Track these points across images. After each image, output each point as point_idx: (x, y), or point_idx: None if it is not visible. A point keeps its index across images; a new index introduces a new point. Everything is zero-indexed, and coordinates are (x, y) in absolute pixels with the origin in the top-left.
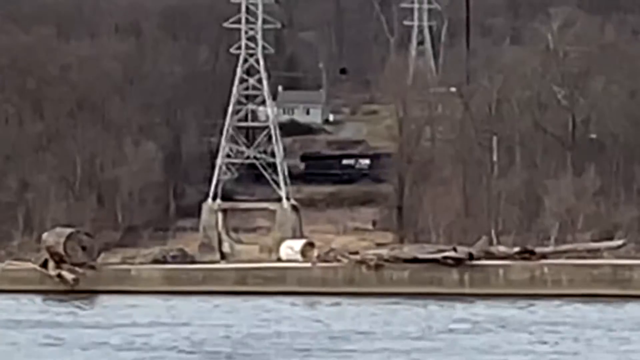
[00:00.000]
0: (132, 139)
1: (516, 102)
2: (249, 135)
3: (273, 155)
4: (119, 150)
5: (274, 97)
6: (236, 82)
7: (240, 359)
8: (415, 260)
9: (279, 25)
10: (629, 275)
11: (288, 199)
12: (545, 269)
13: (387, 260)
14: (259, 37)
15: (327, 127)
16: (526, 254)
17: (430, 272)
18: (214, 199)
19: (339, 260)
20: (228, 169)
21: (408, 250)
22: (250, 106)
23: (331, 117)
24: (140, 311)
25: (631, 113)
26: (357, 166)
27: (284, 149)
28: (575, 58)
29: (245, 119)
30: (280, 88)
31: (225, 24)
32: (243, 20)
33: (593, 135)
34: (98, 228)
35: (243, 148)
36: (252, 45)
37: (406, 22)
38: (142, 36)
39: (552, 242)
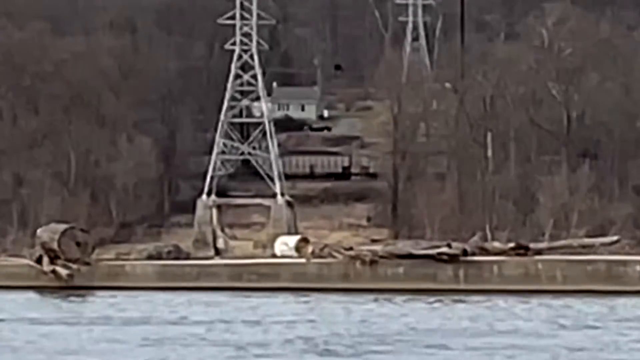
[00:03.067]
0: (126, 134)
1: (511, 98)
2: (244, 131)
3: (267, 151)
4: (114, 146)
5: (269, 93)
6: (231, 78)
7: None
8: (409, 256)
9: (273, 22)
10: (623, 271)
11: (282, 194)
12: (540, 265)
13: (381, 256)
14: (253, 33)
15: (322, 123)
16: (520, 250)
17: (425, 268)
18: (209, 194)
19: (333, 256)
20: (223, 164)
21: (402, 246)
22: (245, 102)
23: (326, 113)
24: (135, 306)
25: (626, 109)
26: None
27: (279, 145)
28: (570, 54)
29: (240, 114)
30: (274, 84)
31: (220, 20)
32: (238, 16)
33: None
34: (92, 224)
35: (237, 144)
36: (246, 41)
37: (401, 18)
38: (137, 32)
39: (547, 238)
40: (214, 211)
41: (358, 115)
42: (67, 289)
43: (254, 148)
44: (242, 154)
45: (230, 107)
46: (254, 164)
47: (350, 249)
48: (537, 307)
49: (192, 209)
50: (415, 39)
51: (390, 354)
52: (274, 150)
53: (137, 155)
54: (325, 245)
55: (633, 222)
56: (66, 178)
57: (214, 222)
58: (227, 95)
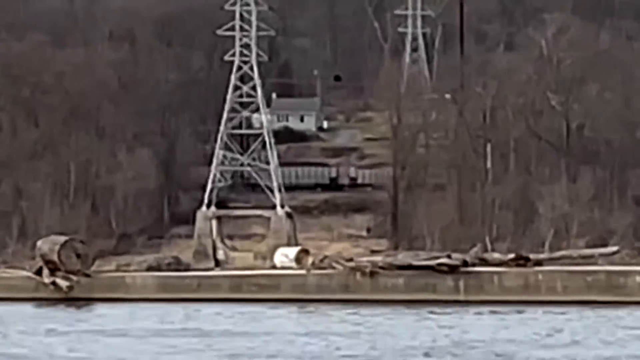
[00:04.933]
0: (126, 146)
1: (510, 109)
2: (243, 142)
3: (267, 162)
4: (113, 157)
5: (268, 104)
6: (230, 89)
7: None
8: (409, 267)
9: (273, 33)
10: (623, 281)
11: (282, 206)
12: (540, 276)
13: (381, 267)
14: (253, 44)
15: (321, 134)
16: (521, 261)
17: (425, 279)
18: (209, 206)
19: (333, 267)
20: (222, 176)
21: (402, 257)
22: (245, 113)
23: (325, 124)
24: (136, 318)
25: (625, 119)
26: None
27: (278, 156)
28: (570, 64)
29: (240, 126)
30: (274, 95)
31: (220, 31)
32: (237, 28)
33: None
34: (92, 235)
35: (237, 155)
36: (246, 52)
37: (400, 29)
38: (137, 43)
39: (547, 249)
40: (214, 222)
41: (358, 126)
42: (67, 300)
43: (253, 159)
44: (242, 165)
45: (230, 119)
46: (254, 175)
47: (350, 260)
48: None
49: (192, 221)
50: (415, 49)
51: None
52: (273, 161)
53: (137, 166)
54: (325, 257)
55: (633, 233)
56: (66, 190)
57: (214, 233)
58: (227, 107)
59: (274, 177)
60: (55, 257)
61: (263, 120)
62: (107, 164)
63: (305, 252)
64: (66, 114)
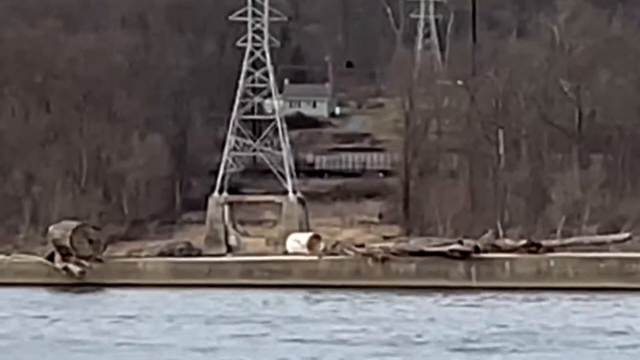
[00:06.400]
0: (138, 132)
1: (522, 95)
2: (255, 128)
3: (279, 148)
4: (125, 143)
5: (280, 90)
6: (242, 75)
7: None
8: (421, 253)
9: (285, 18)
10: (635, 268)
11: (294, 191)
12: (552, 262)
13: (393, 253)
14: (265, 30)
15: (333, 120)
16: (532, 247)
17: (437, 265)
18: (220, 192)
19: (345, 253)
20: (234, 162)
21: (414, 243)
22: (257, 99)
23: (337, 110)
24: (148, 304)
25: (637, 105)
26: None
27: (290, 142)
28: (582, 51)
29: (252, 112)
30: (286, 81)
31: (232, 17)
32: (249, 13)
33: None
34: (104, 221)
35: (249, 141)
36: (258, 38)
37: (412, 15)
38: (149, 29)
39: (559, 235)
40: (226, 208)
41: (370, 113)
42: (79, 285)
43: (265, 145)
44: (254, 151)
45: (242, 104)
46: (266, 161)
47: (362, 246)
48: None
49: (204, 206)
50: (427, 36)
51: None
52: (285, 147)
53: (149, 152)
54: (337, 243)
55: None
56: (78, 175)
57: (225, 219)
58: (239, 93)
59: (285, 162)
60: (67, 243)
61: (275, 106)
62: (119, 149)
63: (317, 238)
64: (78, 100)
